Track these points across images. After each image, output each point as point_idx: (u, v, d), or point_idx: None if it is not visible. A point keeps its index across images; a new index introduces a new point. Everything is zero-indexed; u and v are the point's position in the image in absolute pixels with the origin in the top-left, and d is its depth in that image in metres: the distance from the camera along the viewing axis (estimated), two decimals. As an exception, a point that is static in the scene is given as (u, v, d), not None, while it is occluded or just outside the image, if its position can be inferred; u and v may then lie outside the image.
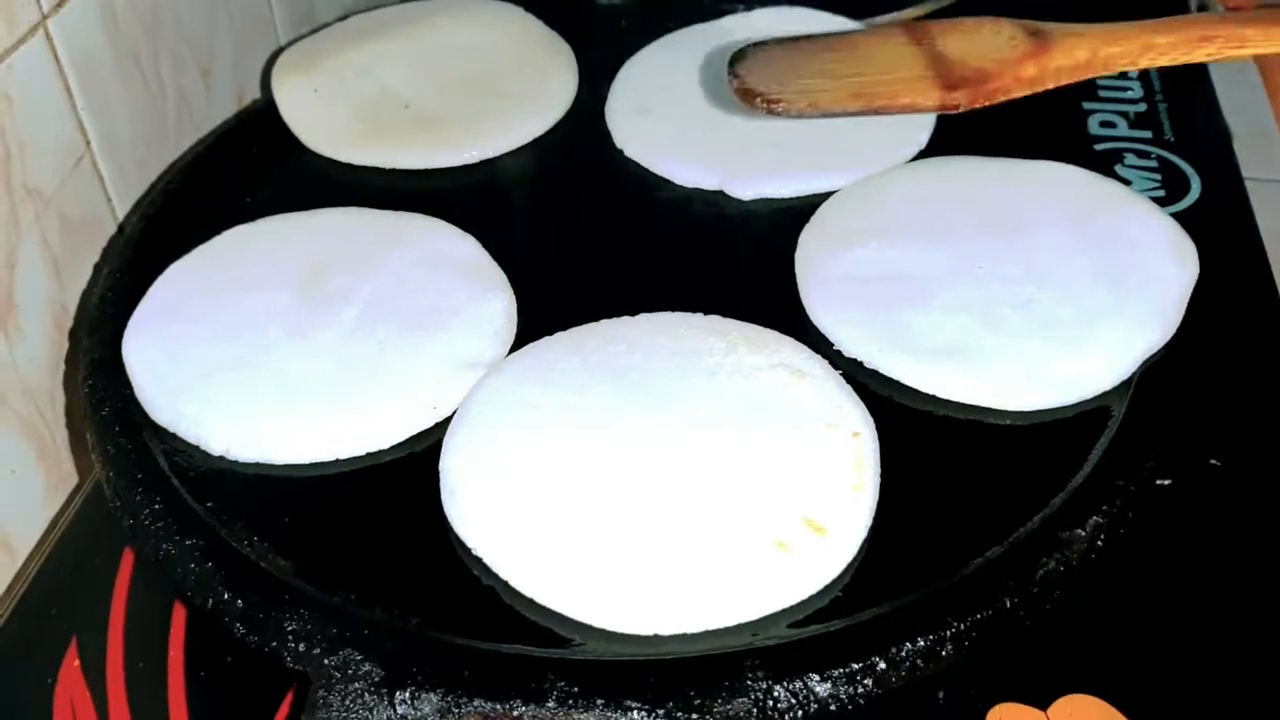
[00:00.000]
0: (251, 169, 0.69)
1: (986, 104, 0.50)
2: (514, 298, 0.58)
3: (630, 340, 0.54)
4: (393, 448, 0.53)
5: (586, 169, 0.68)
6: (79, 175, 0.65)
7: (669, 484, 0.48)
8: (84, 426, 0.54)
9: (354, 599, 0.47)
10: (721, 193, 0.66)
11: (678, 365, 0.53)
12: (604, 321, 0.56)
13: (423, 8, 0.79)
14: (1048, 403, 0.52)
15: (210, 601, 0.46)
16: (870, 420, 0.50)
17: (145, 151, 0.70)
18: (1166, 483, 0.51)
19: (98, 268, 0.65)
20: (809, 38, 0.55)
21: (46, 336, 0.63)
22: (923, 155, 0.67)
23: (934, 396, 0.53)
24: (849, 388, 0.52)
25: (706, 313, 0.56)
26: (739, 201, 0.66)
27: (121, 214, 0.68)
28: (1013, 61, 0.50)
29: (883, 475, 0.48)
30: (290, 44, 0.77)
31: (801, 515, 0.46)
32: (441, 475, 0.50)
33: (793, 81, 0.51)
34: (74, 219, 0.64)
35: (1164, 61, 0.51)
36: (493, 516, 0.48)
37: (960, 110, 0.50)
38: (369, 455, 0.52)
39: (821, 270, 0.58)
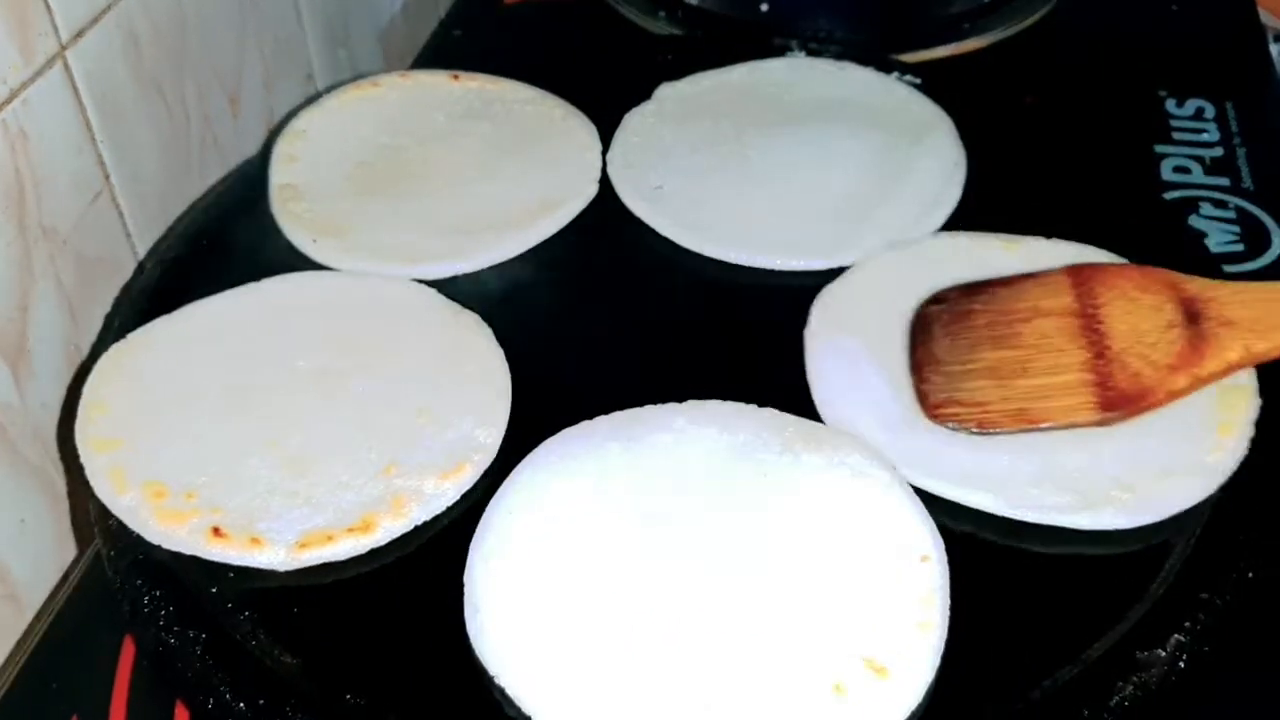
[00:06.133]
0: (270, 213, 0.64)
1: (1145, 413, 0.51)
2: (509, 378, 0.54)
3: (678, 430, 0.50)
4: (405, 537, 0.49)
5: (615, 251, 0.64)
6: (97, 212, 0.62)
7: (716, 612, 0.44)
8: (85, 495, 0.51)
9: (364, 705, 0.43)
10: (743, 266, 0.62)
11: (728, 463, 0.49)
12: (649, 407, 0.52)
13: (423, 91, 0.72)
14: (1135, 522, 0.48)
15: (211, 702, 0.43)
16: (940, 540, 0.46)
17: (168, 185, 0.68)
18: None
19: (108, 319, 0.62)
20: (978, 295, 0.55)
21: (60, 380, 0.61)
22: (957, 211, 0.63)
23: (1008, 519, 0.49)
24: (915, 497, 0.48)
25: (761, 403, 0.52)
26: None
27: (142, 251, 0.66)
28: (1167, 371, 0.50)
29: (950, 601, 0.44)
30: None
31: (861, 654, 0.42)
32: (466, 586, 0.46)
33: (965, 383, 0.52)
34: (91, 257, 0.62)
35: None
36: (521, 646, 0.43)
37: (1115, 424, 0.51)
38: (378, 550, 0.49)
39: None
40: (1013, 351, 0.52)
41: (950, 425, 0.51)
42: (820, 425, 0.51)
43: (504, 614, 0.44)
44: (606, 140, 0.68)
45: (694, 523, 0.47)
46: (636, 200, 0.65)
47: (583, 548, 0.46)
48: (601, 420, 0.51)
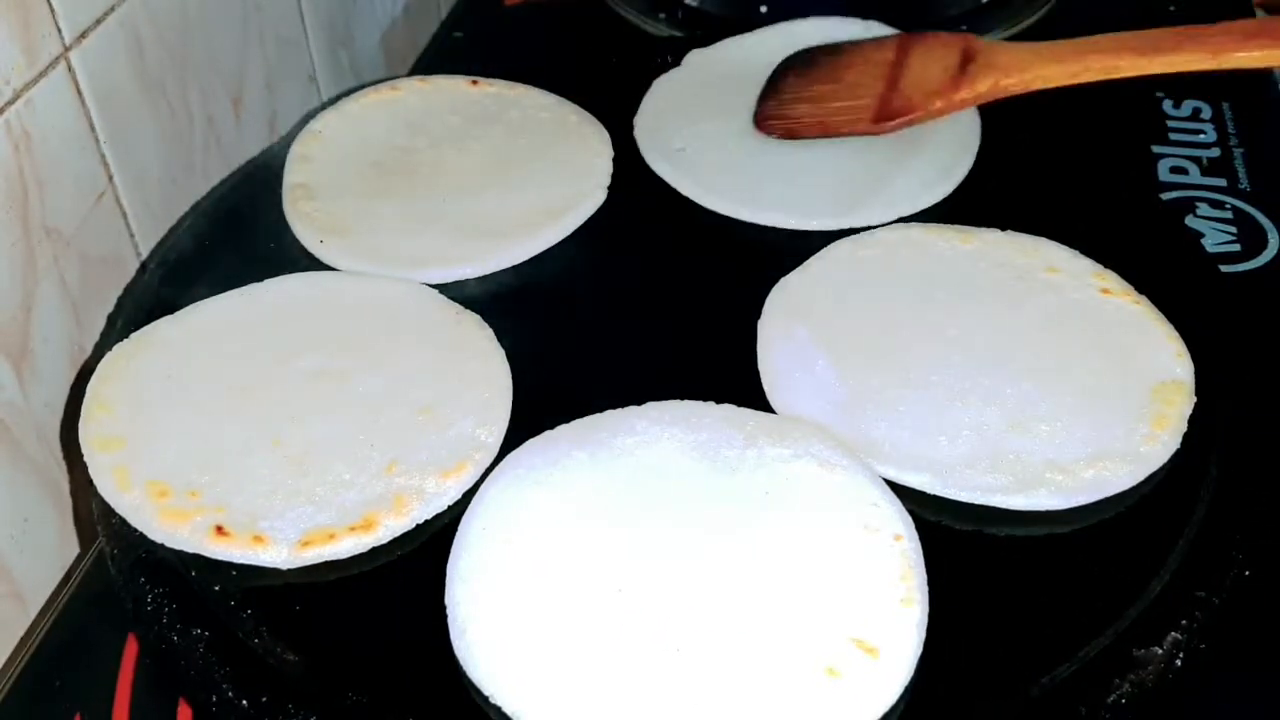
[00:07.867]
0: (273, 213, 0.64)
1: (908, 127, 0.66)
2: (510, 378, 0.55)
3: (641, 433, 0.50)
4: (407, 535, 0.49)
5: (619, 255, 0.64)
6: (100, 212, 0.62)
7: (701, 605, 0.44)
8: (88, 494, 0.51)
9: (366, 703, 0.43)
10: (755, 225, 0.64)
11: (696, 461, 0.49)
12: (610, 412, 0.52)
13: (441, 95, 0.73)
14: (1068, 503, 0.49)
15: (214, 699, 0.43)
16: (909, 520, 0.47)
17: (171, 185, 0.68)
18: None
19: (111, 319, 0.62)
20: (831, 49, 0.71)
21: (64, 380, 0.61)
22: (962, 193, 0.65)
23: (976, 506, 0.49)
24: (881, 481, 0.49)
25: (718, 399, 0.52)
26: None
27: (145, 251, 0.66)
28: (930, 95, 0.65)
29: (931, 583, 0.45)
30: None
31: (850, 636, 0.43)
32: (449, 609, 0.45)
33: (788, 106, 0.68)
34: (94, 257, 0.62)
35: (1054, 85, 0.64)
36: (508, 659, 0.43)
37: (886, 133, 0.66)
38: (380, 549, 0.49)
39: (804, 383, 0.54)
40: (832, 86, 0.68)
41: (766, 132, 0.67)
42: (779, 418, 0.51)
43: (490, 633, 0.44)
44: (616, 145, 0.69)
45: (670, 523, 0.47)
46: (659, 160, 0.67)
47: (561, 557, 0.46)
48: (562, 429, 0.51)
